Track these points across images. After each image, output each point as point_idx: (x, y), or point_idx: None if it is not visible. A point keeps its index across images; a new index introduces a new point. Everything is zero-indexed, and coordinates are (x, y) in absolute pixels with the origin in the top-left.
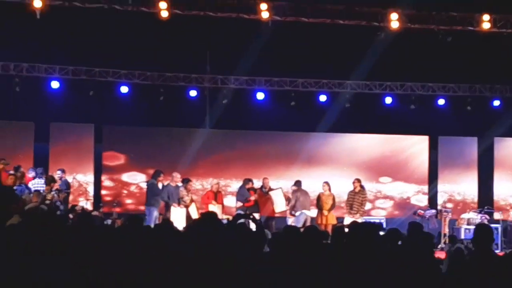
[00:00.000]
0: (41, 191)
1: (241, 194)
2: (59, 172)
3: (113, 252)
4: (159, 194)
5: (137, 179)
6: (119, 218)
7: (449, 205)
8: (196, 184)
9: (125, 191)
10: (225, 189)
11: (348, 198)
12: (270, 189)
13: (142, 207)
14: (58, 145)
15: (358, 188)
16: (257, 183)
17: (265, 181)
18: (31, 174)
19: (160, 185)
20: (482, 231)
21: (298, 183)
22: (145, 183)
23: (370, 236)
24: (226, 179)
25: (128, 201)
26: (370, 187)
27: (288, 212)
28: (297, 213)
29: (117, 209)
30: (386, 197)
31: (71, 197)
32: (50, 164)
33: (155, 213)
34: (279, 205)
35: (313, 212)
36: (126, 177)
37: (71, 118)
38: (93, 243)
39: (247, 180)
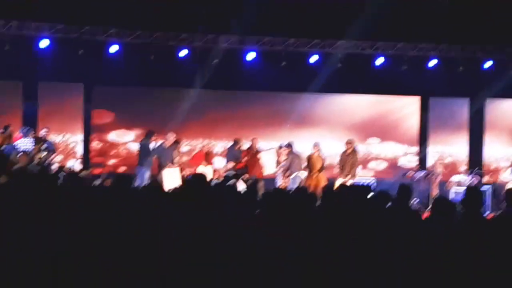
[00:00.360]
0: (29, 151)
1: (232, 155)
2: (43, 131)
3: (102, 214)
4: (151, 155)
5: (125, 139)
6: (108, 178)
7: (439, 167)
8: (185, 144)
9: (113, 151)
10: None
11: (340, 159)
12: (258, 150)
13: (130, 168)
14: (47, 104)
15: (350, 150)
16: (246, 144)
17: (254, 142)
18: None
19: (151, 146)
20: (472, 195)
21: (290, 145)
22: (134, 144)
23: (358, 198)
24: (215, 139)
25: (115, 161)
26: (360, 148)
27: (281, 174)
28: (293, 175)
29: (106, 169)
30: (376, 158)
31: (60, 157)
32: (39, 124)
33: (147, 174)
34: (269, 166)
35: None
36: (114, 136)
37: (61, 78)
38: (82, 204)
39: (237, 141)
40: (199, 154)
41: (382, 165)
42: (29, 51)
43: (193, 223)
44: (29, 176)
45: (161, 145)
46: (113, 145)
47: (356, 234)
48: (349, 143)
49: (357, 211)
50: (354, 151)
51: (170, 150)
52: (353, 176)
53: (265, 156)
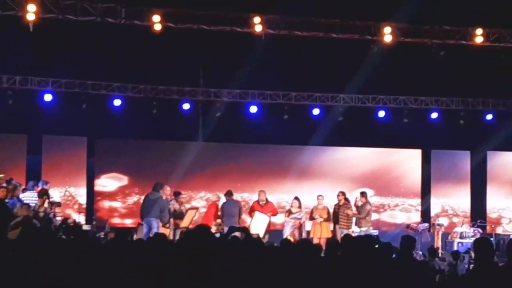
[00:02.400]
0: (33, 204)
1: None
2: (42, 183)
3: (104, 268)
4: (158, 208)
5: (130, 192)
6: (112, 231)
7: (442, 219)
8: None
9: (118, 204)
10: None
11: (333, 211)
12: (268, 201)
13: (133, 220)
14: (50, 157)
15: (342, 201)
16: (248, 197)
17: (260, 194)
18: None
19: (158, 197)
20: (484, 245)
21: (365, 194)
22: (139, 196)
23: (364, 249)
24: (218, 192)
25: (118, 214)
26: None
27: (353, 223)
28: (364, 229)
29: (110, 222)
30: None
31: (65, 210)
32: (42, 177)
33: (155, 225)
34: (259, 228)
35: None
36: (118, 189)
37: (64, 131)
38: (86, 258)
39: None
40: (211, 207)
41: (380, 218)
42: (33, 105)
43: (196, 272)
44: (33, 230)
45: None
46: (117, 197)
47: (361, 285)
48: (341, 194)
49: (363, 262)
50: (346, 202)
51: (168, 203)
52: (349, 226)
53: (259, 217)
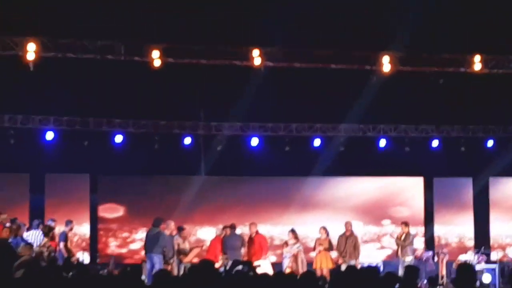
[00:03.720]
0: (38, 243)
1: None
2: (50, 221)
3: None
4: (160, 244)
5: (133, 228)
6: (116, 268)
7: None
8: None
9: (122, 241)
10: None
11: (339, 241)
12: (257, 233)
13: (138, 256)
14: (53, 196)
15: (349, 232)
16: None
17: (251, 227)
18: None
19: (160, 233)
20: (464, 271)
21: (408, 224)
22: (144, 232)
23: (367, 280)
24: (222, 225)
25: (124, 251)
26: (365, 230)
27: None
28: (409, 258)
29: (114, 260)
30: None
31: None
32: (46, 215)
33: (158, 260)
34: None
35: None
36: (122, 225)
37: (66, 169)
38: None
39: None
40: (215, 242)
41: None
42: (35, 143)
43: None
44: (38, 270)
45: (163, 233)
46: (121, 233)
47: None
48: (348, 224)
49: None
50: (352, 233)
51: (171, 238)
52: (357, 257)
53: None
